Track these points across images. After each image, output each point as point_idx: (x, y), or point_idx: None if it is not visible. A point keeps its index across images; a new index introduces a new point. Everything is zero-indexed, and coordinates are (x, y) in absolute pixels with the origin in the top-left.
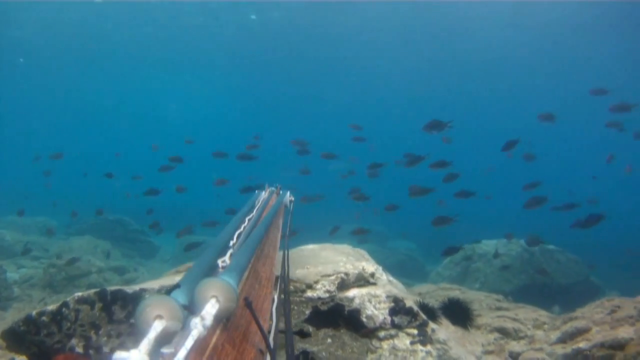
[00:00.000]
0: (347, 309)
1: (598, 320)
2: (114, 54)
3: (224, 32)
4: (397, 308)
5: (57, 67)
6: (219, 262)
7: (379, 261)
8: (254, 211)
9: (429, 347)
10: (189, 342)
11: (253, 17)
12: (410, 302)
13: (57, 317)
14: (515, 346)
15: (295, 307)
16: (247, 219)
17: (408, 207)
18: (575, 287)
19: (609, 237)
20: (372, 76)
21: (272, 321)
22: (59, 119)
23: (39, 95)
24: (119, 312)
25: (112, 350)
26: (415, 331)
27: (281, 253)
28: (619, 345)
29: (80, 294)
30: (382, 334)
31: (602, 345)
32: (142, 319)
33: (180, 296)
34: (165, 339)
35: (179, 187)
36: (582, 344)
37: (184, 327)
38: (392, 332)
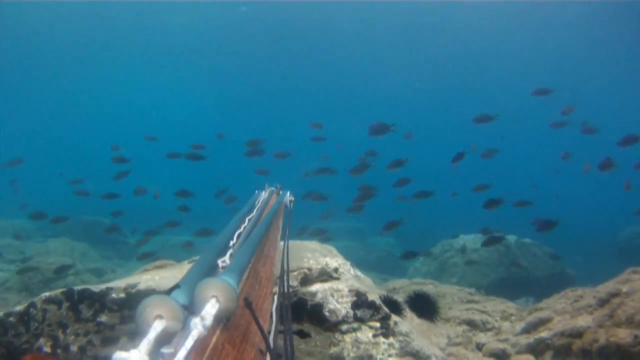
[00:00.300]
0: (309, 303)
1: (560, 310)
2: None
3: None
4: (360, 302)
5: (29, 65)
6: (219, 262)
7: (358, 258)
8: (254, 211)
9: (391, 340)
10: (189, 342)
11: (244, 9)
12: (373, 296)
13: (24, 317)
14: (482, 338)
15: None
16: (247, 219)
17: (386, 205)
18: (551, 279)
19: (581, 230)
20: (364, 72)
21: (272, 321)
22: (38, 116)
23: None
24: (86, 311)
25: (80, 349)
26: (377, 324)
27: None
28: (577, 334)
29: (47, 294)
30: (344, 327)
31: (562, 334)
32: (142, 319)
33: (180, 296)
34: (165, 339)
35: (138, 190)
36: (544, 334)
37: (184, 327)
38: (355, 325)
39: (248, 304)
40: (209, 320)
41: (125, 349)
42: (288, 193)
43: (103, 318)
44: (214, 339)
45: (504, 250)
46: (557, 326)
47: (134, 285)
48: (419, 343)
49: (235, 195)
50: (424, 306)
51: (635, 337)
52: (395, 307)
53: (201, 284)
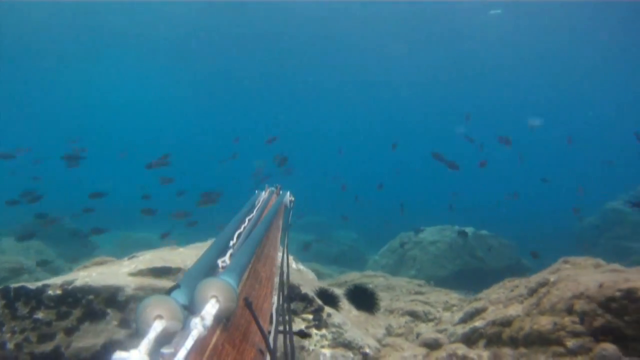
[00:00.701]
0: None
1: (494, 300)
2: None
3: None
4: (293, 295)
5: None
6: (219, 262)
7: (318, 252)
8: (254, 211)
9: (323, 331)
10: (189, 342)
11: None
12: (306, 289)
13: None
14: (422, 328)
15: None
16: (247, 219)
17: (349, 198)
18: (507, 270)
19: (541, 222)
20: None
21: (272, 321)
22: None
23: None
24: (22, 309)
25: (17, 346)
26: (310, 316)
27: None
28: (507, 322)
29: None
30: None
31: (493, 323)
32: (142, 319)
33: (180, 296)
34: (165, 339)
35: (93, 194)
36: (478, 323)
37: (184, 327)
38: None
39: (248, 304)
40: (209, 320)
41: (125, 349)
42: (288, 193)
43: (39, 315)
44: (214, 339)
45: (461, 242)
46: (490, 315)
47: (70, 282)
48: (352, 334)
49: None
50: (363, 299)
51: (555, 324)
52: (331, 300)
53: (201, 284)
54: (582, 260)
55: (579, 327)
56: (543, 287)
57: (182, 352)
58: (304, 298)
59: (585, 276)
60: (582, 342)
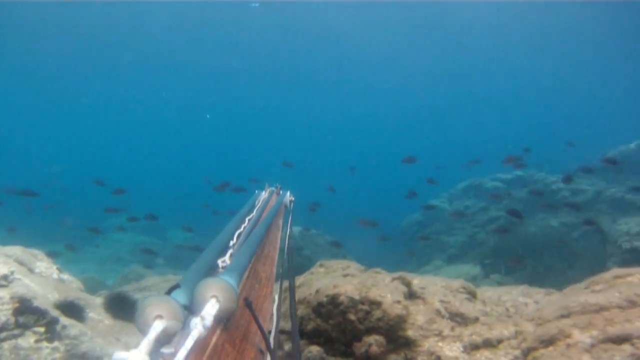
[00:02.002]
0: None
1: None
2: None
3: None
4: (23, 308)
5: None
6: (219, 262)
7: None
8: (254, 211)
9: (56, 343)
10: (189, 342)
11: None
12: (40, 302)
13: None
14: None
15: None
16: (247, 219)
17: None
18: None
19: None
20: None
21: (272, 321)
22: None
23: None
24: None
25: None
26: (42, 329)
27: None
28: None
29: None
30: (3, 335)
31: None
32: (142, 319)
33: (180, 296)
34: (165, 339)
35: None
36: None
37: (184, 327)
38: (16, 332)
39: (248, 304)
40: (209, 320)
41: (126, 348)
42: (288, 193)
43: None
44: (214, 339)
45: (290, 242)
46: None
47: None
48: (90, 345)
49: None
50: (121, 307)
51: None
52: (76, 311)
53: (201, 284)
54: (335, 264)
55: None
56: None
57: (182, 352)
58: (36, 311)
59: (319, 281)
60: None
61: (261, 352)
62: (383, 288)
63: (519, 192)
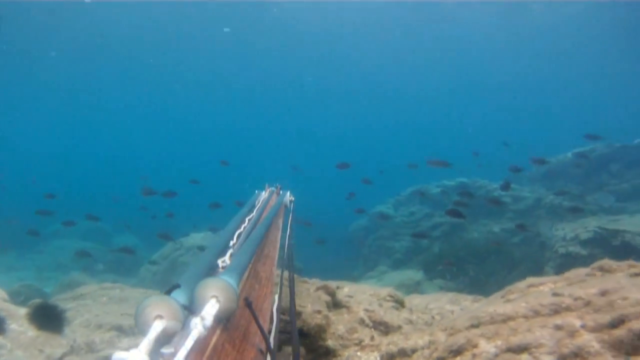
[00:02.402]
0: None
1: None
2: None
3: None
4: None
5: None
6: (219, 262)
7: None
8: (254, 211)
9: None
10: (189, 342)
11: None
12: None
13: None
14: (125, 342)
15: None
16: (247, 219)
17: (131, 202)
18: None
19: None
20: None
21: (272, 321)
22: None
23: None
24: None
25: None
26: None
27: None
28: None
29: None
30: None
31: None
32: (142, 319)
33: (180, 296)
34: (165, 339)
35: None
36: None
37: (184, 327)
38: None
39: (248, 304)
40: (209, 320)
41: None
42: (288, 193)
43: None
44: (214, 339)
45: None
46: None
47: None
48: (8, 358)
49: None
50: (47, 318)
51: None
52: None
53: (201, 284)
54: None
55: None
56: None
57: (182, 352)
58: None
59: None
60: None
61: (261, 352)
62: (305, 298)
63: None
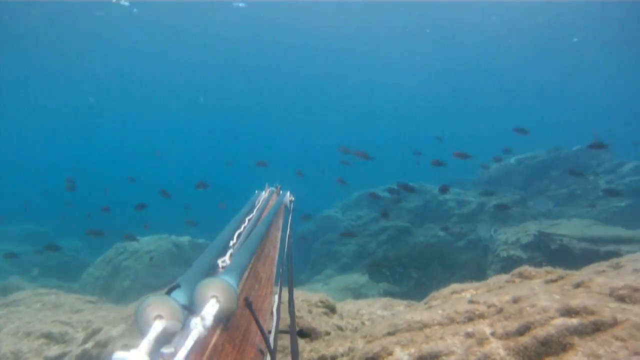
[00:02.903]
0: None
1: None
2: None
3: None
4: None
5: None
6: (219, 262)
7: (40, 264)
8: (254, 211)
9: None
10: (189, 342)
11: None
12: None
13: None
14: (54, 350)
15: None
16: (247, 219)
17: (77, 204)
18: None
19: None
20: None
21: (272, 321)
22: None
23: None
24: None
25: None
26: None
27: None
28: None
29: None
30: None
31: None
32: (142, 319)
33: (180, 296)
34: (165, 339)
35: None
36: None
37: (184, 327)
38: None
39: (248, 304)
40: (209, 320)
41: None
42: (288, 193)
43: None
44: (214, 339)
45: (176, 251)
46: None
47: None
48: None
49: None
50: None
51: None
52: None
53: (201, 284)
54: None
55: None
56: None
57: (182, 352)
58: None
59: None
60: None
61: (261, 352)
62: None
63: (409, 202)
